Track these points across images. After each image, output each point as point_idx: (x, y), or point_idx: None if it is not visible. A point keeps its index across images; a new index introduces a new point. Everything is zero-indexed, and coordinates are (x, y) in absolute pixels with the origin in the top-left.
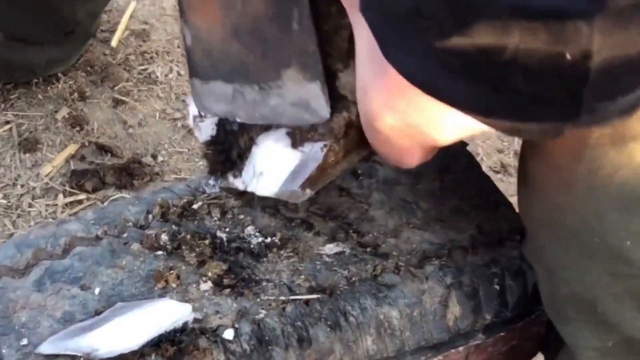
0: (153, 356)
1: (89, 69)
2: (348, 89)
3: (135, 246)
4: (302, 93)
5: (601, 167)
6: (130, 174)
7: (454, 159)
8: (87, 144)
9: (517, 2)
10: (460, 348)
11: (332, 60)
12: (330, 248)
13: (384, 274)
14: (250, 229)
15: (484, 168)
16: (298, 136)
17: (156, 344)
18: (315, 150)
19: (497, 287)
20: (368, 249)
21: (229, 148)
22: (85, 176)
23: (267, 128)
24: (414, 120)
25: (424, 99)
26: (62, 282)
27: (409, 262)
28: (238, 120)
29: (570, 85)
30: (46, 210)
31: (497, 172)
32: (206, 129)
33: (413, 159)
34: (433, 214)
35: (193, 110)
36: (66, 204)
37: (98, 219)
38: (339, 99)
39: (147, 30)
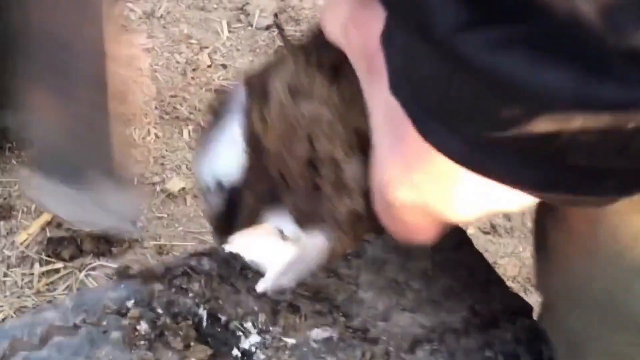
0: None
1: None
2: (353, 179)
3: (115, 335)
4: (110, 198)
5: (623, 233)
6: (108, 241)
7: (445, 236)
8: None
9: (583, 95)
10: None
11: (334, 148)
12: (318, 333)
13: None
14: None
15: (473, 229)
16: (300, 225)
17: None
18: (320, 242)
19: None
20: (357, 334)
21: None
22: (62, 244)
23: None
24: (429, 194)
25: (442, 172)
26: None
27: (400, 347)
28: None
29: (635, 155)
30: (22, 280)
31: (487, 233)
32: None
33: (421, 236)
34: (424, 295)
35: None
36: (42, 273)
37: (76, 307)
38: (344, 189)
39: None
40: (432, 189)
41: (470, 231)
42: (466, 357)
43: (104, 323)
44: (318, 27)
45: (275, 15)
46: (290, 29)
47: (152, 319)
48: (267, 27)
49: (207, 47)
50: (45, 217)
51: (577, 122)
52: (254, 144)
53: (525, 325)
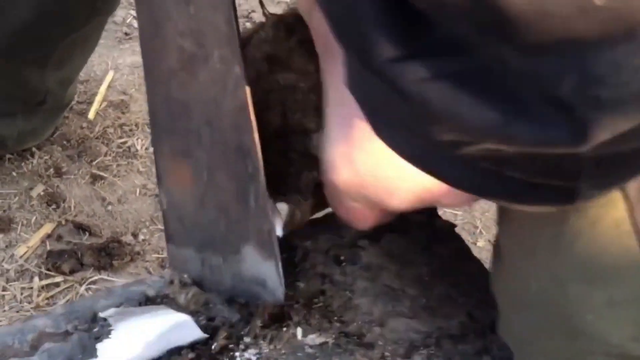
0: None
1: (65, 142)
2: (319, 148)
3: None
4: (259, 271)
5: (563, 232)
6: (109, 254)
7: (443, 243)
8: (63, 222)
9: (506, 133)
10: None
11: (306, 119)
12: (313, 338)
13: None
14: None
15: (483, 242)
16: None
17: None
18: (281, 207)
19: None
20: (352, 339)
21: None
22: (62, 257)
23: None
24: (369, 178)
25: (383, 157)
26: None
27: (396, 352)
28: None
29: (566, 176)
30: (21, 294)
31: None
32: None
33: (365, 221)
34: (421, 301)
35: None
36: (42, 287)
37: (67, 314)
38: (310, 158)
39: (125, 101)
40: (372, 171)
41: (479, 244)
42: None
43: (96, 330)
44: (292, 9)
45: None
46: None
47: None
48: None
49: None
50: (45, 230)
51: (508, 150)
52: None
53: None
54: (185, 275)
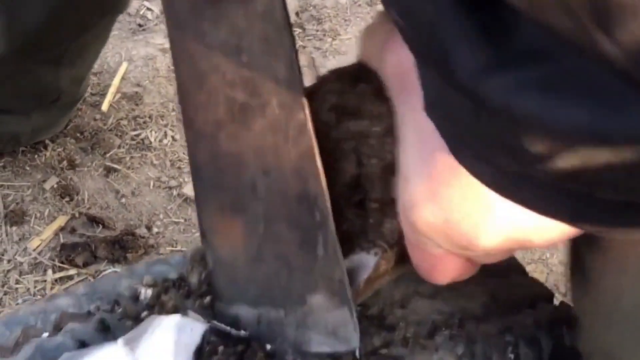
0: None
1: (78, 135)
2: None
3: (130, 323)
4: (330, 320)
5: None
6: (123, 247)
7: None
8: (77, 215)
9: (599, 128)
10: None
11: (385, 165)
12: None
13: (391, 347)
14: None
15: None
16: (344, 246)
17: None
18: (365, 259)
19: (512, 355)
20: (373, 322)
21: None
22: (76, 250)
23: None
24: (455, 215)
25: (471, 192)
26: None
27: (418, 333)
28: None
29: None
30: (35, 287)
31: None
32: None
33: (445, 270)
34: None
35: None
36: (56, 280)
37: (89, 294)
38: (391, 206)
39: (139, 93)
40: (458, 208)
41: None
42: (486, 342)
43: (119, 310)
44: (355, 63)
45: (297, 14)
46: (311, 28)
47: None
48: None
49: None
50: (59, 223)
51: (602, 157)
52: None
53: (546, 311)
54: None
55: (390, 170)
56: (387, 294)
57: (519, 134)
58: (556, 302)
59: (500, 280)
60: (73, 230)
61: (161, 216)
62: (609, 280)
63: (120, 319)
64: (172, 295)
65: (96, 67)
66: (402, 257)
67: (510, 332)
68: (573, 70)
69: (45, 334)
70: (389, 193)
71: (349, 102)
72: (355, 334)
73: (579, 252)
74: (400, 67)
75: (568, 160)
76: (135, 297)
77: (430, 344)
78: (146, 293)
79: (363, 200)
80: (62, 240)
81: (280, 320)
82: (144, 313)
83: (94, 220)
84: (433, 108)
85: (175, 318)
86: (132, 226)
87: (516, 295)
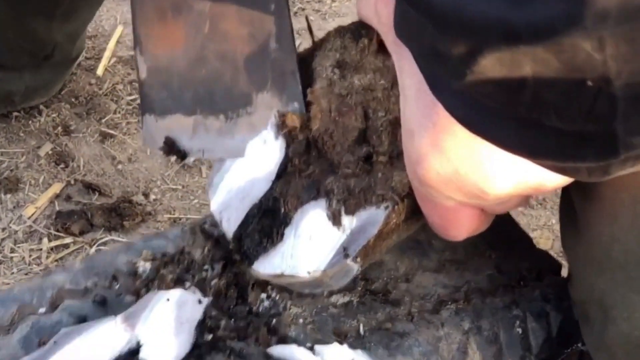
0: None
1: (73, 100)
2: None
3: (129, 299)
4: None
5: None
6: (120, 214)
7: None
8: (72, 182)
9: (508, 20)
10: None
11: (390, 116)
12: (337, 298)
13: (396, 322)
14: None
15: None
16: (351, 201)
17: None
18: (374, 214)
19: (519, 330)
20: (378, 297)
21: (264, 234)
22: (72, 218)
23: (304, 202)
24: (463, 164)
25: (473, 140)
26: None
27: (423, 308)
28: (195, 157)
29: (601, 117)
30: (30, 256)
31: None
32: (234, 221)
33: (460, 223)
34: (447, 255)
35: (216, 207)
36: (51, 249)
37: (86, 269)
38: (399, 159)
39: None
40: (464, 157)
41: None
42: (493, 316)
43: (117, 286)
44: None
45: (307, 18)
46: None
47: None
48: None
49: None
50: (54, 190)
51: (527, 66)
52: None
53: (553, 283)
54: (206, 225)
55: (397, 122)
56: (392, 268)
57: (442, 36)
58: (564, 273)
59: (506, 252)
60: (68, 198)
61: (158, 183)
62: (600, 229)
63: (119, 295)
64: (171, 269)
65: (91, 30)
66: (414, 211)
67: (518, 306)
68: None
69: (42, 311)
70: (398, 145)
71: (351, 57)
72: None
73: (570, 201)
74: (392, 17)
75: (490, 63)
76: (134, 272)
77: (435, 319)
78: (145, 267)
79: (370, 155)
80: (57, 208)
81: (219, 125)
82: (143, 290)
83: (89, 188)
84: (400, 28)
85: (176, 293)
86: (129, 193)
87: (523, 267)
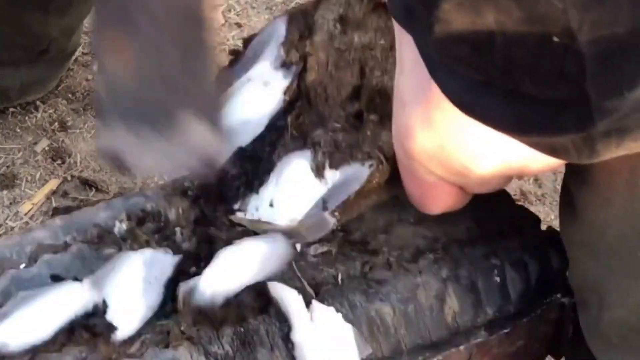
0: (69, 344)
1: (70, 96)
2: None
3: (108, 252)
4: (196, 138)
5: (637, 178)
6: None
7: None
8: (69, 178)
9: None
10: (462, 347)
11: (386, 76)
12: (316, 248)
13: (374, 270)
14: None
15: None
16: (336, 155)
17: (69, 330)
18: (358, 171)
19: (498, 279)
20: (357, 247)
21: (246, 178)
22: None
23: (289, 150)
24: (450, 141)
25: (462, 118)
26: (30, 292)
27: (401, 257)
28: (143, 174)
29: (571, 79)
30: None
31: (517, 201)
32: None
33: (438, 199)
34: None
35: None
36: None
37: (66, 226)
38: (389, 120)
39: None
40: (452, 134)
41: None
42: (471, 266)
43: (96, 240)
44: None
45: None
46: None
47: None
48: None
49: (220, 5)
50: (51, 186)
51: (489, 15)
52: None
53: (532, 235)
54: (186, 184)
55: (392, 84)
56: (371, 220)
57: None
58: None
59: (487, 206)
60: (65, 194)
61: (156, 178)
62: (595, 213)
63: (97, 249)
64: (145, 230)
65: (88, 25)
66: (397, 174)
67: (496, 256)
68: None
69: (22, 265)
70: (390, 107)
71: (355, 14)
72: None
73: (568, 188)
74: None
75: (452, 7)
76: (111, 230)
77: (413, 268)
78: (120, 226)
79: (361, 112)
80: (54, 204)
81: (147, 135)
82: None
83: (86, 184)
84: (392, 6)
85: (145, 253)
86: (127, 189)
87: (502, 220)
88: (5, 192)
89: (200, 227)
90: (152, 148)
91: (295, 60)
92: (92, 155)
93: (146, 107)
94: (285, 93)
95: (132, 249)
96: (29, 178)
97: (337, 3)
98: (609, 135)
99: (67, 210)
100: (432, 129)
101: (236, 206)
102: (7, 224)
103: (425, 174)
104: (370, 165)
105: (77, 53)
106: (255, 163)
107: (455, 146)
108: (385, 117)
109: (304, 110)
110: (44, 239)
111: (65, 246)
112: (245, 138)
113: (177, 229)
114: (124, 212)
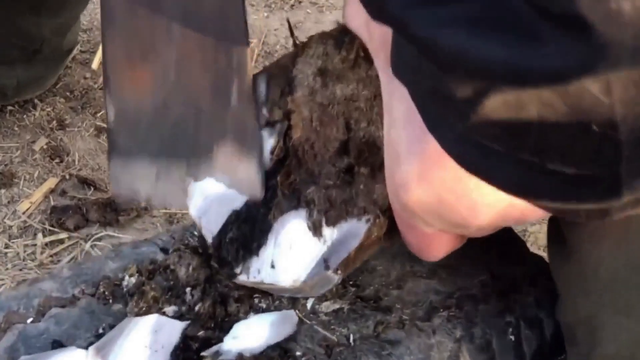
0: None
1: (68, 94)
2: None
3: (117, 307)
4: (235, 171)
5: (632, 217)
6: (115, 209)
7: None
8: (67, 177)
9: (515, 64)
10: None
11: (373, 127)
12: (327, 306)
13: (387, 330)
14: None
15: None
16: (332, 213)
17: None
18: (355, 226)
19: (512, 337)
20: (369, 303)
21: (244, 241)
22: (67, 213)
23: (284, 211)
24: (447, 195)
25: (462, 173)
26: (37, 348)
27: (415, 315)
28: (158, 206)
29: (606, 162)
30: (24, 251)
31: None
32: (214, 224)
33: (437, 248)
34: (440, 260)
35: (195, 211)
36: (46, 244)
37: (74, 276)
38: (383, 169)
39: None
40: (450, 188)
41: None
42: (486, 323)
43: (105, 294)
44: (338, 26)
45: (287, 20)
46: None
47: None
48: (291, 6)
49: None
50: (49, 185)
51: (531, 108)
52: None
53: (547, 288)
54: (196, 232)
55: (380, 134)
56: (383, 274)
57: (446, 78)
58: None
59: (499, 255)
60: (63, 193)
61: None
62: (587, 249)
63: (105, 304)
64: (154, 285)
65: (85, 23)
66: (395, 225)
67: (511, 313)
68: (493, 5)
69: (29, 320)
70: (380, 158)
71: (334, 65)
72: (260, 187)
73: (557, 221)
74: (386, 37)
75: (495, 105)
76: (120, 283)
77: (427, 327)
78: (129, 281)
79: (352, 167)
80: (52, 203)
81: (180, 173)
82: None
83: (85, 182)
84: (397, 66)
85: (152, 319)
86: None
87: (516, 271)
88: (3, 190)
89: (210, 285)
90: (177, 186)
91: (279, 118)
92: (90, 153)
93: (174, 142)
94: (272, 152)
95: (139, 307)
96: (27, 177)
97: (314, 55)
98: (626, 205)
99: (64, 210)
100: (430, 184)
101: (238, 270)
102: (5, 222)
103: (423, 226)
104: (368, 220)
105: (75, 51)
106: (251, 225)
107: (454, 200)
108: (376, 169)
109: (294, 168)
110: (51, 291)
111: (74, 299)
112: (238, 202)
113: (188, 289)
114: (133, 265)
